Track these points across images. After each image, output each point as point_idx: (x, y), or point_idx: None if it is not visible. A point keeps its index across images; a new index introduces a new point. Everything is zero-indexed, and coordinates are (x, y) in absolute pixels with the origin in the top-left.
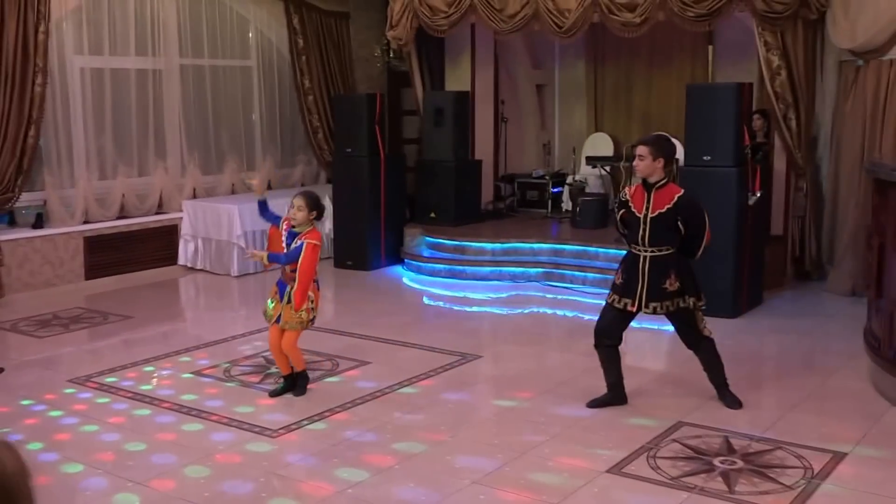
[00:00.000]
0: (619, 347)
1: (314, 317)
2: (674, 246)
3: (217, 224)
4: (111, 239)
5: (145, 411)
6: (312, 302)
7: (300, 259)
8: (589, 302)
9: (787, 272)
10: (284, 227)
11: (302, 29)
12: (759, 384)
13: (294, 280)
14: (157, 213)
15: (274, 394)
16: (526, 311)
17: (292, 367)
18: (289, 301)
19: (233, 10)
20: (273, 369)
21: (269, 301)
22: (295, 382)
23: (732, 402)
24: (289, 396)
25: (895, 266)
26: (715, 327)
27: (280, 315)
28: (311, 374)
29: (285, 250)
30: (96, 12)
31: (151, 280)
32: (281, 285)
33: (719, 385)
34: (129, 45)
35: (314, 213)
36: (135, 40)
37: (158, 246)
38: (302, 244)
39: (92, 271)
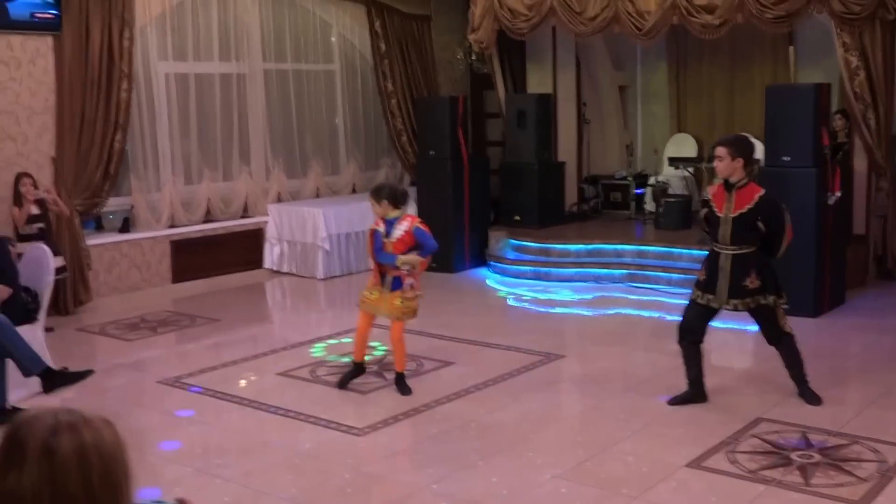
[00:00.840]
0: (703, 346)
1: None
2: (755, 244)
3: (302, 227)
4: (197, 243)
5: (235, 411)
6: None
7: (432, 240)
8: (673, 302)
9: (869, 272)
10: (380, 225)
11: (384, 32)
12: (839, 381)
13: (396, 272)
14: (242, 217)
15: (341, 384)
16: (610, 312)
17: (365, 357)
18: (392, 290)
19: (315, 15)
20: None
21: (368, 291)
22: (362, 369)
23: (812, 398)
24: (374, 395)
25: None
26: (796, 326)
27: (366, 299)
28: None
29: (387, 244)
30: (180, 18)
31: (237, 284)
32: (382, 277)
33: (799, 381)
34: (213, 51)
35: (384, 201)
36: (218, 45)
37: (244, 249)
38: (417, 230)
39: (178, 275)
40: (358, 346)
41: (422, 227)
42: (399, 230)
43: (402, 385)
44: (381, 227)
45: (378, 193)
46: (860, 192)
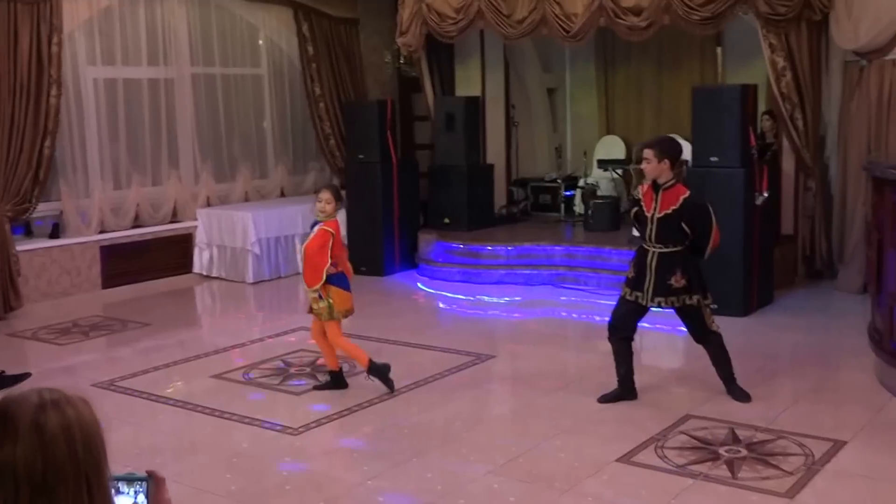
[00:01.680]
0: (633, 343)
1: (346, 310)
2: (681, 244)
3: (231, 231)
4: (127, 248)
5: (170, 413)
6: (317, 292)
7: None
8: (602, 303)
9: (797, 271)
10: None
11: (311, 36)
12: (767, 379)
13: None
14: (171, 222)
15: (319, 387)
16: (540, 313)
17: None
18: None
19: (242, 19)
20: (292, 371)
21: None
22: (339, 380)
23: (740, 395)
24: (308, 396)
25: (893, 261)
26: (726, 325)
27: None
28: (328, 377)
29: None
30: (108, 23)
31: (167, 288)
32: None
33: (727, 379)
34: (141, 55)
35: (339, 203)
36: (146, 50)
37: (173, 254)
38: (315, 231)
39: (109, 280)
40: (324, 354)
41: (319, 231)
42: (312, 231)
43: (333, 379)
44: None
45: (339, 194)
46: (788, 192)
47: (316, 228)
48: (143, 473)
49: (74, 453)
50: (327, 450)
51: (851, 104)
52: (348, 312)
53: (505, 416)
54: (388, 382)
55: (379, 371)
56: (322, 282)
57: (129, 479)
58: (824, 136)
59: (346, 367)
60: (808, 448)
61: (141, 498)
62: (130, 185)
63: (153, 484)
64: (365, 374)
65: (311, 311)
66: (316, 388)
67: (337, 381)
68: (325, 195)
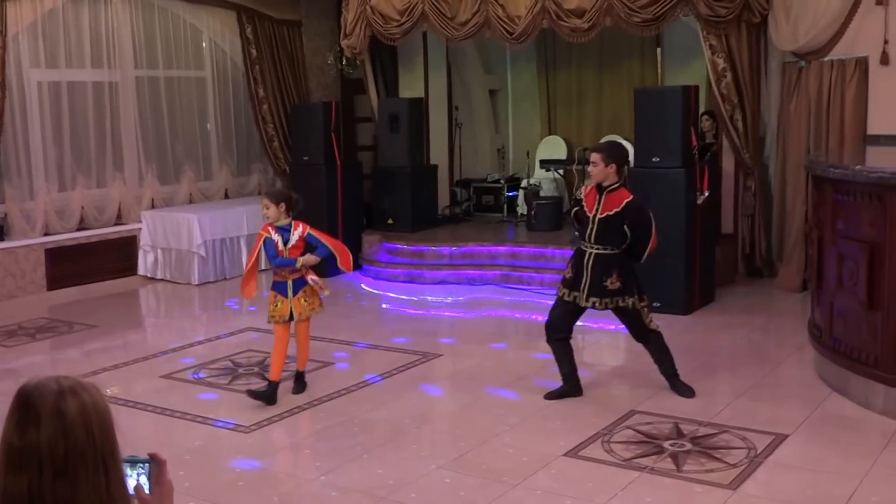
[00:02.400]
0: (577, 343)
1: (279, 316)
2: (618, 247)
3: (177, 234)
4: (72, 250)
5: (121, 413)
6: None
7: (325, 246)
8: (546, 303)
9: (738, 270)
10: (272, 231)
11: (255, 38)
12: (709, 375)
13: (296, 275)
14: (116, 224)
15: (254, 395)
16: (484, 313)
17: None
18: (295, 293)
19: (186, 22)
20: (241, 371)
21: (273, 306)
22: (275, 390)
23: (684, 390)
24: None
25: (833, 258)
26: (668, 323)
27: (291, 311)
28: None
29: (283, 252)
30: (52, 26)
31: (112, 290)
32: (279, 286)
33: (670, 375)
34: (85, 58)
35: (282, 204)
36: (90, 53)
37: (118, 256)
38: (310, 236)
39: (54, 282)
40: (277, 362)
41: (313, 232)
42: (294, 236)
43: (301, 382)
44: (274, 235)
45: (277, 196)
46: (728, 192)
47: (307, 233)
48: (145, 456)
49: (92, 437)
50: (279, 447)
51: (790, 105)
52: (281, 317)
53: (453, 412)
54: (261, 396)
55: (299, 381)
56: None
57: (133, 462)
58: (763, 136)
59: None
60: (751, 441)
61: (143, 479)
62: (75, 188)
63: (155, 466)
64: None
65: (283, 319)
66: (295, 392)
67: (274, 390)
68: (264, 201)
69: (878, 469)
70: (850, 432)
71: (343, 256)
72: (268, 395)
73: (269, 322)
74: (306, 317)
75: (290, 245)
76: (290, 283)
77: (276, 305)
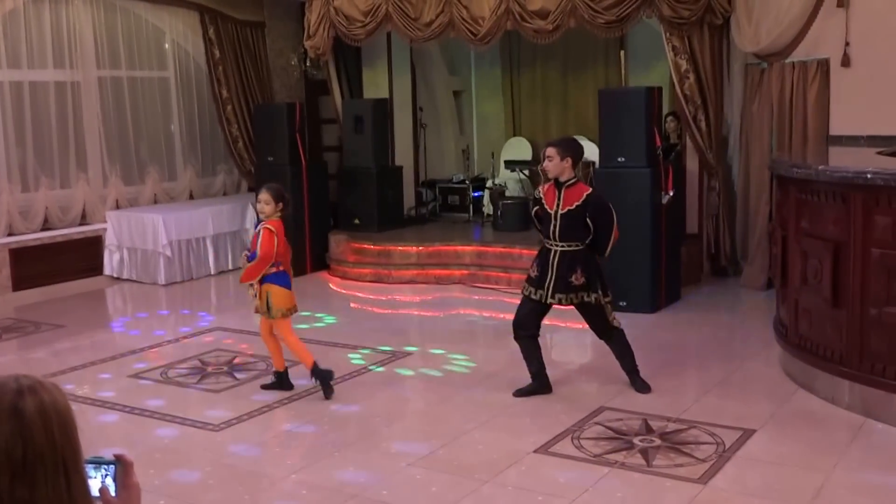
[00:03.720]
0: (545, 341)
1: (288, 308)
2: (582, 242)
3: (142, 234)
4: (36, 250)
5: (90, 412)
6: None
7: (257, 246)
8: (513, 302)
9: (703, 269)
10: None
11: (217, 39)
12: (676, 372)
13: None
14: (80, 225)
15: (266, 386)
16: (452, 312)
17: (286, 364)
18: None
19: (148, 22)
20: (209, 370)
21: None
22: (284, 380)
23: (642, 386)
24: (227, 394)
25: (797, 257)
26: (634, 322)
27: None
28: (245, 375)
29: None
30: (13, 26)
31: (78, 290)
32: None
33: (630, 371)
34: (47, 58)
35: (279, 203)
36: (52, 53)
37: (83, 257)
38: (259, 230)
39: (19, 283)
40: (270, 352)
41: (264, 231)
42: (256, 230)
43: (278, 380)
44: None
45: (278, 193)
46: (692, 192)
47: (259, 227)
48: (110, 457)
49: (52, 437)
50: (249, 445)
51: (753, 106)
52: (290, 311)
53: (423, 410)
54: (328, 389)
55: (322, 375)
56: (256, 279)
57: (97, 463)
58: (727, 136)
59: (262, 366)
60: (719, 437)
61: (109, 481)
62: (38, 188)
63: (121, 467)
64: (309, 375)
65: (257, 310)
66: (263, 386)
67: (282, 381)
68: (263, 195)
69: (844, 463)
70: (816, 427)
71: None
72: (276, 385)
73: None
74: (268, 316)
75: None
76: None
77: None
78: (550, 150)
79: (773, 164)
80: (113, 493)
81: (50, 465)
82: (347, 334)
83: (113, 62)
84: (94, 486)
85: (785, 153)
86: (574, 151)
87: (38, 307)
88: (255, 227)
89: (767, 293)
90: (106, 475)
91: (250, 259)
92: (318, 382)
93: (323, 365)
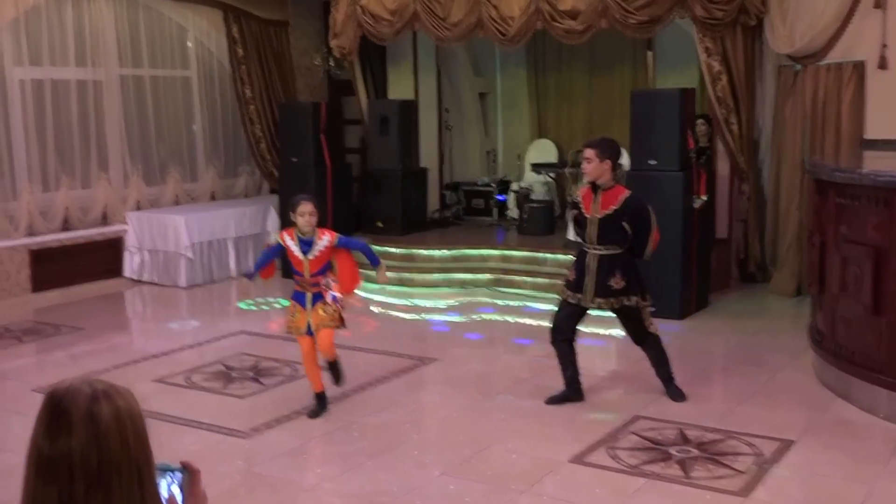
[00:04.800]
0: (576, 344)
1: (294, 328)
2: (621, 246)
3: (163, 235)
4: (56, 252)
5: None
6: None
7: (359, 242)
8: (539, 307)
9: (732, 274)
10: (288, 239)
11: (241, 38)
12: (708, 380)
13: (317, 286)
14: (101, 226)
15: (313, 415)
16: (477, 317)
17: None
18: (313, 304)
19: (171, 20)
20: (234, 375)
21: (291, 316)
22: (325, 401)
23: (677, 394)
24: (253, 399)
25: (835, 263)
26: (664, 328)
27: (309, 323)
28: (271, 380)
29: (304, 262)
30: (34, 23)
31: (97, 293)
32: (299, 296)
33: (665, 379)
34: (69, 56)
35: (318, 214)
36: (74, 51)
37: (104, 258)
38: (342, 240)
39: (38, 284)
40: (310, 374)
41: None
42: (319, 246)
43: (335, 372)
44: (290, 243)
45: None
46: (722, 196)
47: (336, 239)
48: (176, 464)
49: (127, 444)
50: (279, 453)
51: (785, 109)
52: (296, 330)
53: (454, 418)
54: (316, 412)
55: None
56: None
57: (164, 470)
58: (758, 140)
59: (288, 371)
60: (758, 447)
61: (175, 489)
62: (59, 188)
63: (188, 475)
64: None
65: (301, 331)
66: (311, 415)
67: (322, 403)
68: (309, 207)
69: (888, 475)
70: (855, 438)
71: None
72: (318, 409)
73: (287, 333)
74: (325, 326)
75: (311, 256)
76: (309, 295)
77: (294, 316)
78: (589, 152)
79: (812, 167)
80: (179, 502)
81: (125, 473)
82: (371, 339)
83: (135, 60)
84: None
85: (819, 157)
86: (613, 153)
87: (57, 309)
88: (301, 243)
89: (797, 300)
90: (171, 482)
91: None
92: (317, 401)
93: (349, 371)
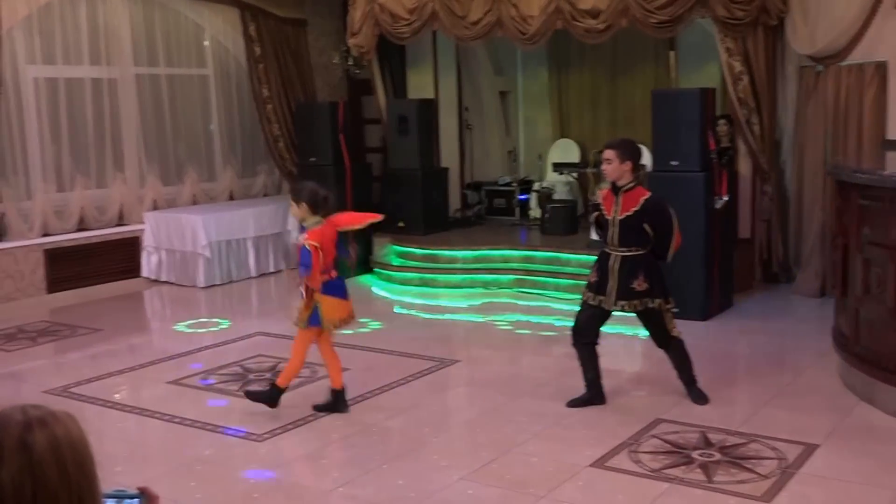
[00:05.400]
0: (598, 347)
1: (322, 322)
2: (643, 247)
3: (181, 235)
4: (72, 251)
5: (129, 420)
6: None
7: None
8: (561, 308)
9: (755, 275)
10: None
11: (258, 36)
12: (731, 382)
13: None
14: (117, 225)
15: (318, 408)
16: (499, 318)
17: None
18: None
19: (187, 18)
20: (252, 377)
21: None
22: (337, 399)
23: (699, 397)
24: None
25: (858, 265)
26: (686, 329)
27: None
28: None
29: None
30: (47, 21)
31: (114, 293)
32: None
33: (688, 382)
34: (83, 54)
35: (303, 204)
36: (88, 49)
37: (120, 258)
38: (304, 249)
39: (53, 284)
40: (329, 370)
41: (310, 244)
42: (301, 237)
43: (334, 400)
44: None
45: (299, 194)
46: (745, 196)
47: (303, 248)
48: (133, 490)
49: (66, 473)
50: (294, 456)
51: (807, 109)
52: (342, 322)
53: (473, 421)
54: (261, 398)
55: (271, 396)
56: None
57: (119, 497)
58: (780, 140)
59: (307, 373)
60: (781, 451)
61: None
62: (74, 188)
63: (146, 501)
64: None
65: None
66: (316, 407)
67: (337, 401)
68: (291, 197)
69: None
70: (880, 442)
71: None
72: (266, 396)
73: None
74: (302, 326)
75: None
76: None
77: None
78: (609, 153)
79: (835, 168)
80: None
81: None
82: (392, 340)
83: (151, 59)
84: None
85: (841, 158)
86: (633, 154)
87: (73, 310)
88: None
89: (821, 301)
90: None
91: (302, 276)
92: (270, 389)
93: (370, 373)
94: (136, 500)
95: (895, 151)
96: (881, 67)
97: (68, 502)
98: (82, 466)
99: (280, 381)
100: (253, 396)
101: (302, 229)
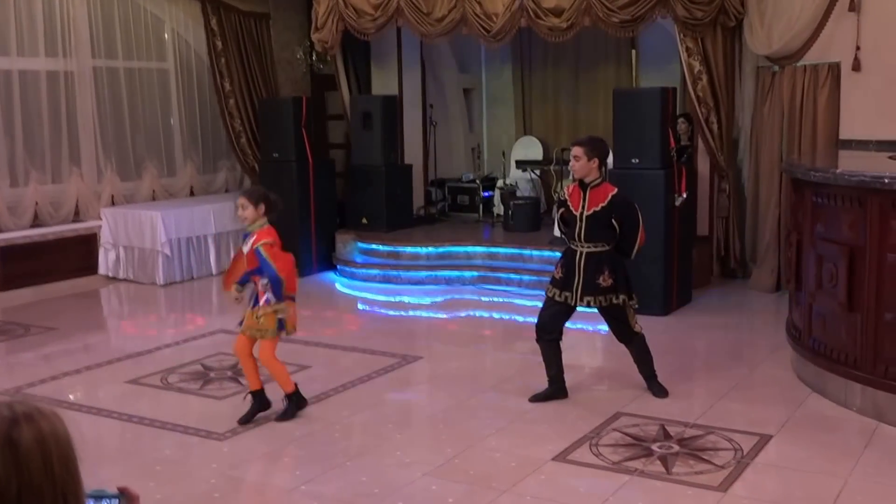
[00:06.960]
0: (561, 343)
1: (286, 328)
2: (609, 243)
3: (139, 232)
4: (26, 249)
5: (83, 421)
6: (277, 311)
7: (270, 266)
8: (524, 304)
9: (713, 271)
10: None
11: (220, 30)
12: (690, 376)
13: (263, 292)
14: (74, 222)
15: (243, 420)
16: (462, 314)
17: (262, 382)
18: (253, 307)
19: (147, 11)
20: (212, 375)
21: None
22: (263, 400)
23: (659, 391)
24: (232, 400)
25: (812, 261)
26: (646, 324)
27: (243, 321)
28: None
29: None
30: (2, 11)
31: (71, 291)
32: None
33: (648, 377)
34: (38, 46)
35: (261, 206)
36: (44, 41)
37: (77, 255)
38: (258, 251)
39: (7, 282)
40: (244, 370)
41: (265, 249)
42: (247, 246)
43: (289, 409)
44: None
45: (257, 197)
46: (703, 194)
47: (256, 250)
48: (113, 490)
49: (51, 470)
50: (257, 455)
51: (764, 108)
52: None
53: (436, 417)
54: (291, 414)
55: (300, 401)
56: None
57: (98, 497)
58: (737, 139)
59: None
60: (737, 442)
61: None
62: (28, 183)
63: (125, 501)
64: (283, 397)
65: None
66: (241, 421)
67: (261, 402)
68: (241, 200)
69: (861, 468)
70: (831, 432)
71: (289, 283)
72: (253, 409)
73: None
74: (251, 335)
75: (245, 250)
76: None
77: (245, 313)
78: (577, 150)
79: (789, 167)
80: None
81: (49, 500)
82: (355, 337)
83: (109, 51)
84: None
85: (795, 156)
86: (601, 151)
87: (28, 308)
88: (243, 237)
89: (776, 296)
90: None
91: (242, 283)
92: (288, 403)
93: (332, 370)
94: (115, 500)
95: (848, 151)
96: (834, 68)
97: (53, 499)
98: (67, 464)
99: (286, 388)
100: (285, 417)
101: (244, 237)
